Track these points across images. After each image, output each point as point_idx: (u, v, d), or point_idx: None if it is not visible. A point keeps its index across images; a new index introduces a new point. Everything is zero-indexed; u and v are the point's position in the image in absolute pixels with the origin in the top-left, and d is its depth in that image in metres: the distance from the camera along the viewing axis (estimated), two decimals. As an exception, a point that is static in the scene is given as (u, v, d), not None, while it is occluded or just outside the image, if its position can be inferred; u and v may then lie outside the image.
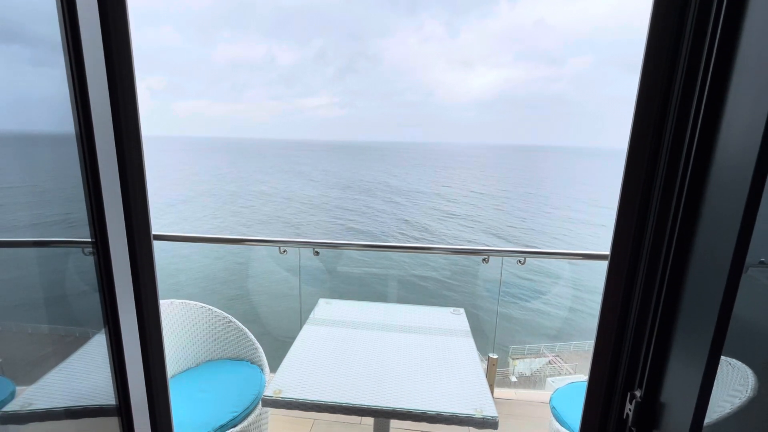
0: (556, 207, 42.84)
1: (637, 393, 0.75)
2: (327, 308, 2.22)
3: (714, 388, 0.59)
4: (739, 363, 0.63)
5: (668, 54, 0.66)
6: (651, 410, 0.73)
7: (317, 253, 2.90)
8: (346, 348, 1.79)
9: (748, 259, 0.53)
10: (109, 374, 0.98)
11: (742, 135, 0.54)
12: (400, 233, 31.44)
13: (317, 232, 31.43)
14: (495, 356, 2.75)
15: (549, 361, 10.72)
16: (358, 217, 35.71)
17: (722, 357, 0.58)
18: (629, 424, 0.76)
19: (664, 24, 0.65)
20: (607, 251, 0.77)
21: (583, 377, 2.18)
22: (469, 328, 2.03)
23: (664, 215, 0.69)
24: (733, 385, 0.64)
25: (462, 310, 2.23)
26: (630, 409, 0.76)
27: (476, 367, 1.68)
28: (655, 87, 0.67)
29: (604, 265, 0.79)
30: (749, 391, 0.63)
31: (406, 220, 34.99)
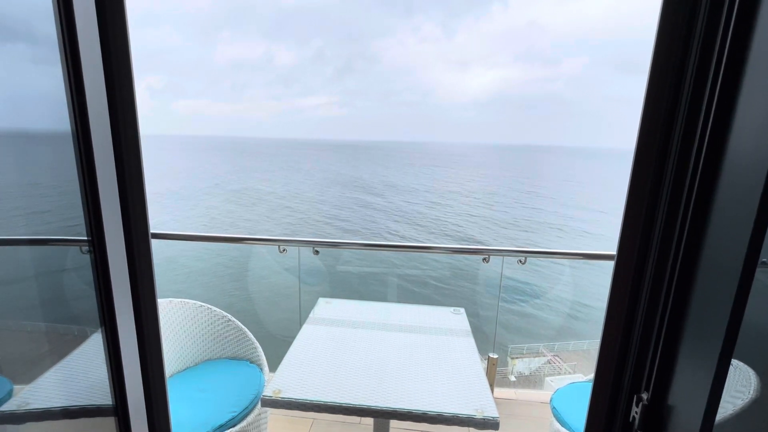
0: (546, 211, 42.07)
1: (644, 396, 0.74)
2: (327, 307, 2.21)
3: (718, 390, 0.58)
4: (741, 364, 0.62)
5: (678, 52, 0.65)
6: (658, 413, 0.72)
7: (317, 252, 2.89)
8: (346, 348, 1.79)
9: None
10: (107, 374, 0.97)
11: (754, 134, 0.52)
12: (378, 236, 31.02)
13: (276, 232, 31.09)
14: (495, 356, 2.74)
15: (548, 361, 10.74)
16: (335, 222, 35.20)
17: None
18: (635, 427, 0.75)
19: (674, 24, 0.64)
20: (610, 252, 0.77)
21: (583, 377, 2.17)
22: (469, 328, 2.02)
23: (673, 215, 0.68)
24: (735, 386, 0.63)
25: (462, 310, 2.22)
26: (636, 412, 0.75)
27: (477, 367, 1.67)
28: (664, 84, 0.66)
29: (603, 265, 0.78)
30: (752, 392, 0.63)
31: (389, 225, 34.55)
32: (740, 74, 0.56)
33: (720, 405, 0.60)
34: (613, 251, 0.75)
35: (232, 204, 40.88)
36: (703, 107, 0.62)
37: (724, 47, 0.58)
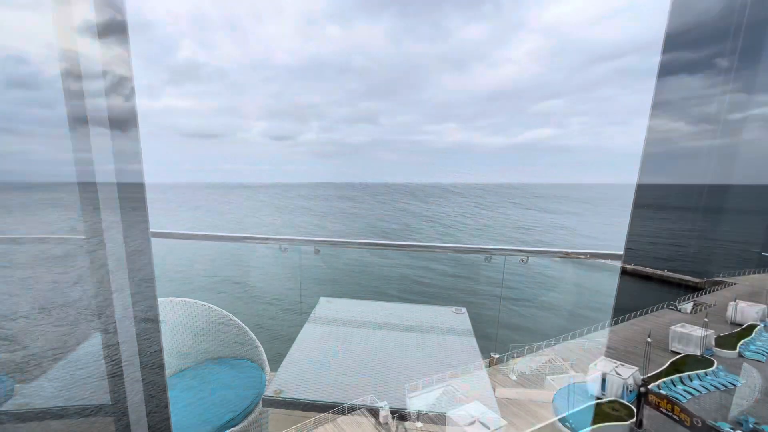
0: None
1: None
2: (328, 307, 2.20)
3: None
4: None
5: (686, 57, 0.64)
6: None
7: (318, 252, 2.88)
8: (347, 347, 1.78)
9: (748, 254, 0.51)
10: (106, 374, 0.96)
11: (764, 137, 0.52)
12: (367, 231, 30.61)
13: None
14: (496, 355, 2.73)
15: (549, 360, 10.72)
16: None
17: None
18: None
19: (682, 29, 0.63)
20: (614, 251, 0.76)
21: (583, 376, 2.16)
22: (471, 327, 2.01)
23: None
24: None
25: (464, 309, 2.21)
26: None
27: (478, 366, 1.66)
28: (673, 87, 0.66)
29: (603, 265, 0.77)
30: None
31: (381, 221, 34.16)
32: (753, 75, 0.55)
33: None
34: (618, 251, 0.75)
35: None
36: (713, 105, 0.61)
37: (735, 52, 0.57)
